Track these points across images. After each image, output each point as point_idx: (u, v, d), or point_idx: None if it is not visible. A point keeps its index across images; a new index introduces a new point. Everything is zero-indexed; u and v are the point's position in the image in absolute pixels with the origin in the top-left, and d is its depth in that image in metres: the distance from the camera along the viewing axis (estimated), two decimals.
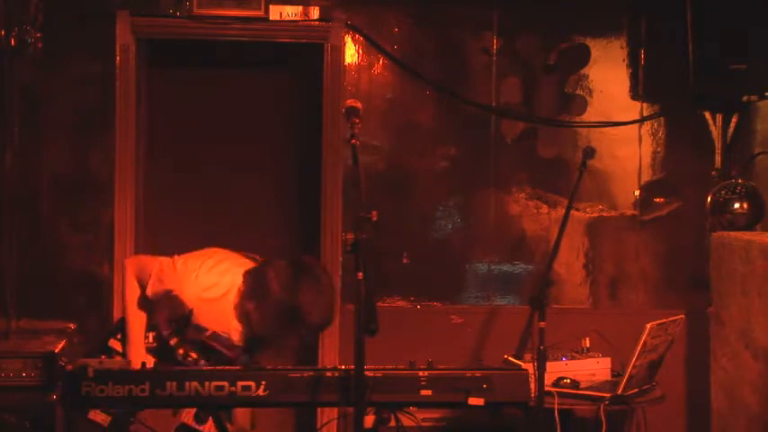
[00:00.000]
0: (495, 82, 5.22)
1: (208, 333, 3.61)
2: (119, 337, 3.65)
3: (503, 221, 5.25)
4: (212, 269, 3.60)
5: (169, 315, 3.66)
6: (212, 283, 3.55)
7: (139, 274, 3.64)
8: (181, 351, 3.66)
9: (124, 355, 3.60)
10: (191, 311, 3.56)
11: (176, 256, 3.64)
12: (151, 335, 3.66)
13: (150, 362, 3.52)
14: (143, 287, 3.62)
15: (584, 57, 5.25)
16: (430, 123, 5.22)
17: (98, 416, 3.34)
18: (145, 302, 3.64)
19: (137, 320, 3.62)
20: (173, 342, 3.67)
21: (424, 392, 3.21)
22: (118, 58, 5.00)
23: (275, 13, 5.03)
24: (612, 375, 4.48)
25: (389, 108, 5.19)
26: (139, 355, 3.55)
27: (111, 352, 3.64)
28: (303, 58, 5.27)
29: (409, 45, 5.18)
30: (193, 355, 3.66)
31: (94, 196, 5.04)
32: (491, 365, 3.41)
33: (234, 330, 3.58)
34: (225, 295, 3.53)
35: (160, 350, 3.65)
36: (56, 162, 5.02)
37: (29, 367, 4.33)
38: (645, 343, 4.11)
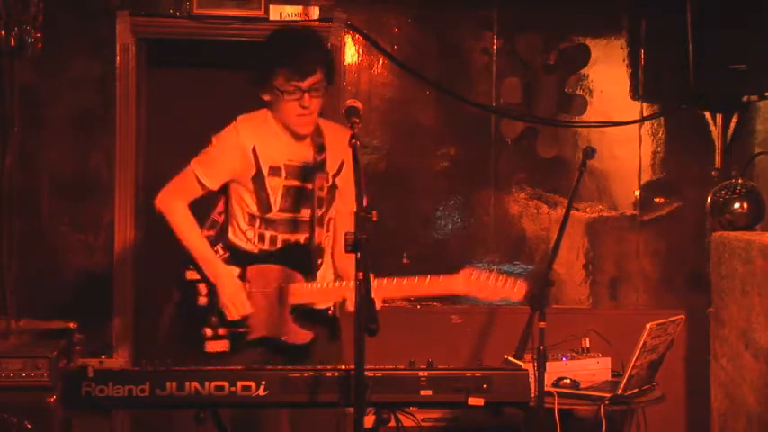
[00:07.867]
0: (495, 82, 5.22)
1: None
2: (191, 267, 3.68)
3: (503, 221, 5.25)
4: None
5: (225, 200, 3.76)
6: None
7: (182, 189, 3.78)
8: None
9: (205, 279, 3.62)
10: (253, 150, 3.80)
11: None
12: (219, 246, 3.70)
13: (234, 272, 3.62)
14: (192, 201, 3.74)
15: (584, 57, 5.25)
16: (430, 123, 5.22)
17: None
18: (194, 221, 3.72)
19: (198, 241, 3.68)
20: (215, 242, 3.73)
21: (424, 392, 3.21)
22: (118, 58, 5.01)
23: (275, 13, 5.03)
24: (612, 375, 4.47)
25: (389, 108, 5.19)
26: (219, 271, 3.61)
27: (193, 284, 3.65)
28: None
29: (409, 45, 5.18)
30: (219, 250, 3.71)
31: (94, 196, 5.04)
32: (491, 365, 3.41)
33: None
34: None
35: (234, 257, 3.68)
36: (56, 162, 5.02)
37: (29, 367, 4.32)
38: (645, 343, 4.11)
